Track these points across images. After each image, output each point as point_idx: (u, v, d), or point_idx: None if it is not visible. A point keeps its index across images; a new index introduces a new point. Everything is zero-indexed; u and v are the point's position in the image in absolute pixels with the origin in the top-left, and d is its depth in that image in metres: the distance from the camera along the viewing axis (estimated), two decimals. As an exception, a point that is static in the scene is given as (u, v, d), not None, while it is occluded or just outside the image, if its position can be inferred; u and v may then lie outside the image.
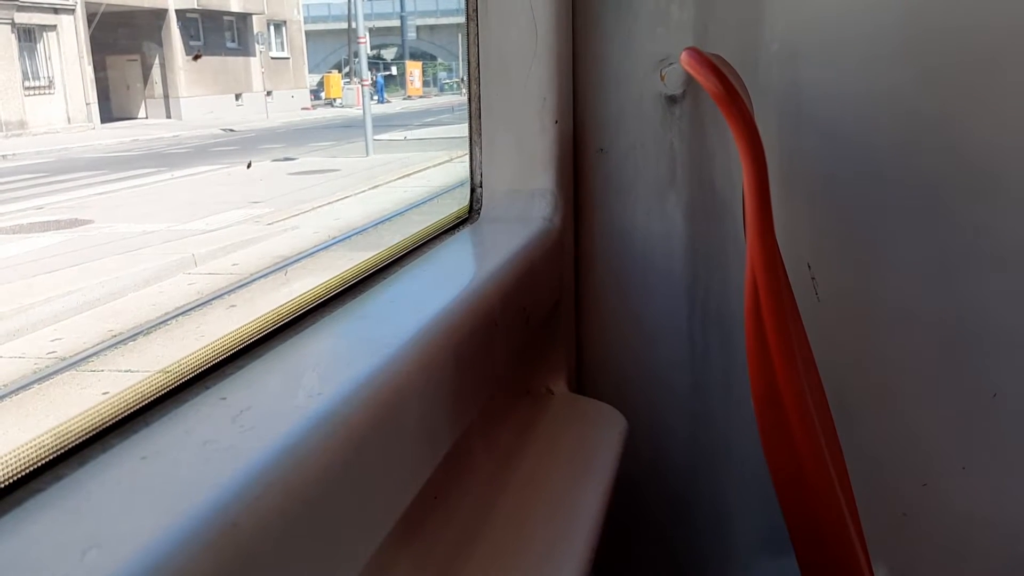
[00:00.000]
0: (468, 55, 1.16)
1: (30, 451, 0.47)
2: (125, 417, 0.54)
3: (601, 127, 1.22)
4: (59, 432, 0.50)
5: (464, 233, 1.13)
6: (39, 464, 0.47)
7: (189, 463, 0.48)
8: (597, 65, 1.21)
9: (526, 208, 1.15)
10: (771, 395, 0.64)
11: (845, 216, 1.22)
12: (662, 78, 1.19)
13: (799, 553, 0.71)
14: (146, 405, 0.56)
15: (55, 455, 0.48)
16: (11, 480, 0.45)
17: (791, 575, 1.32)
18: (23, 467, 0.46)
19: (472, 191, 1.18)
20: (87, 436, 0.51)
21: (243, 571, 0.43)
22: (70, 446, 0.50)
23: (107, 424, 0.53)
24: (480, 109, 1.16)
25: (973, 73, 1.13)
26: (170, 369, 0.61)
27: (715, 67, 0.63)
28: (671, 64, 1.19)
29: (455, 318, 0.78)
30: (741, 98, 0.63)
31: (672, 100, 1.20)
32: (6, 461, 0.46)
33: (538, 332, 1.12)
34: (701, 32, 1.18)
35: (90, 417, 0.52)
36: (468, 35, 1.15)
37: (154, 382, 0.58)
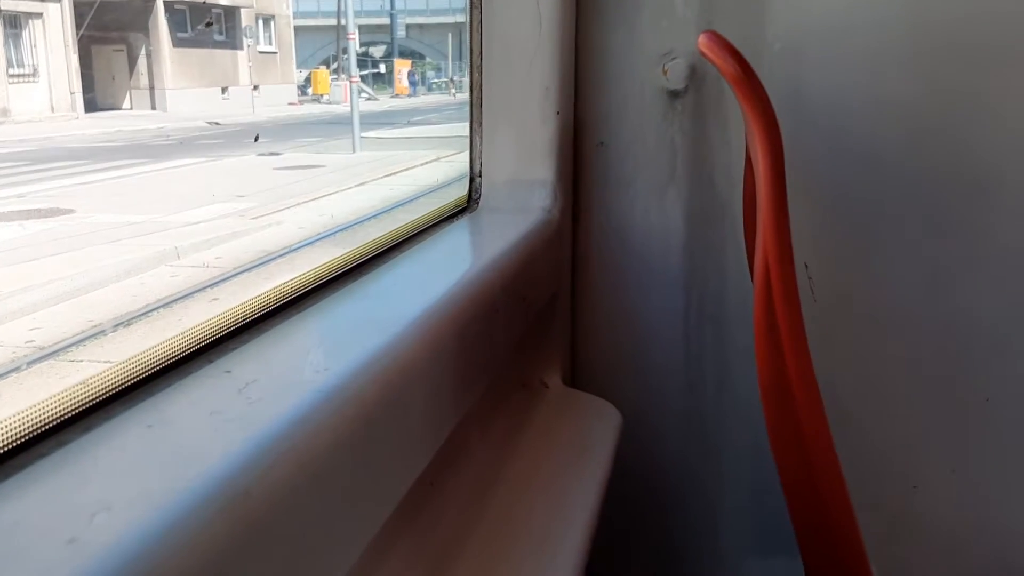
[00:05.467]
0: (471, 43, 1.15)
1: (32, 416, 0.46)
2: (129, 387, 0.53)
3: (602, 120, 1.22)
4: (61, 399, 0.49)
5: (463, 222, 1.12)
6: (43, 429, 0.46)
7: (197, 432, 0.47)
8: (600, 57, 1.20)
9: (526, 199, 1.14)
10: (780, 386, 0.63)
11: (843, 217, 1.22)
12: (664, 73, 1.19)
13: (804, 547, 0.70)
14: (149, 376, 0.55)
15: (58, 421, 0.47)
16: (15, 444, 0.44)
17: (781, 574, 1.32)
18: (26, 432, 0.45)
19: (471, 180, 1.17)
20: (90, 404, 0.50)
21: (254, 540, 0.42)
22: (73, 413, 0.48)
23: (110, 393, 0.51)
24: (481, 98, 1.15)
25: (975, 78, 1.13)
26: (172, 341, 0.59)
27: (734, 49, 0.62)
28: (674, 59, 1.18)
29: (458, 302, 0.78)
30: (759, 81, 0.62)
31: (674, 95, 1.19)
32: (9, 425, 0.44)
33: (535, 324, 1.11)
34: (705, 27, 1.17)
35: (92, 385, 0.51)
36: (471, 22, 1.14)
37: (157, 353, 0.57)
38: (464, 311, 0.77)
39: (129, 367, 0.54)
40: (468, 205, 1.16)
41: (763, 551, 1.30)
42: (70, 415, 0.48)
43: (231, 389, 0.53)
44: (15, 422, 0.45)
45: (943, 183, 1.17)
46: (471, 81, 1.16)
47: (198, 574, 0.38)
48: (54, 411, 0.47)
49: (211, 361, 0.58)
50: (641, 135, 1.21)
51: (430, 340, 0.69)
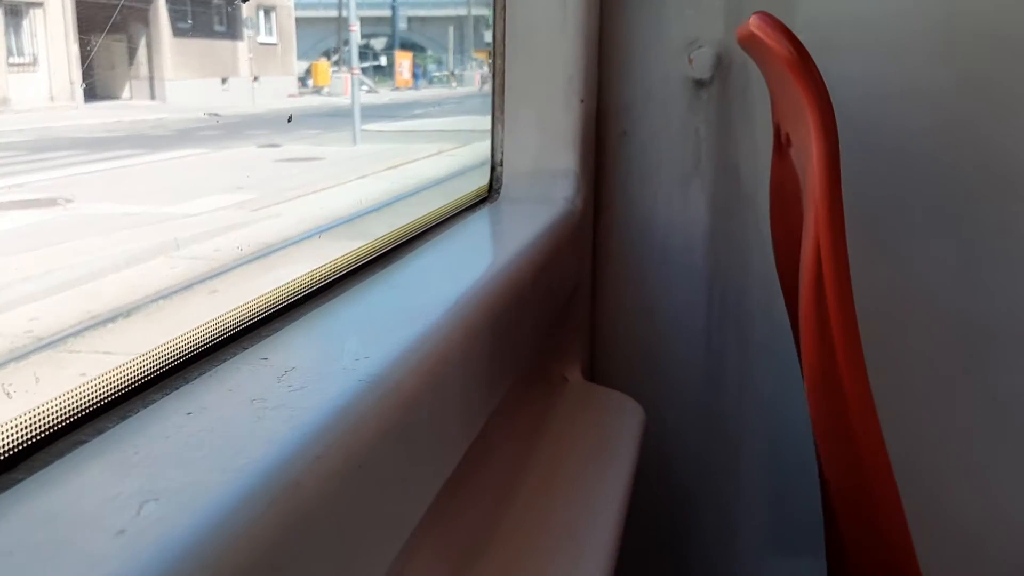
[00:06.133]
0: (493, 29, 1.12)
1: (67, 402, 0.44)
2: (162, 373, 0.51)
3: (625, 109, 1.19)
4: (93, 386, 0.46)
5: (485, 212, 1.10)
6: (78, 416, 0.44)
7: (239, 420, 0.45)
8: (624, 45, 1.18)
9: (548, 188, 1.12)
10: (829, 382, 0.61)
11: (868, 213, 1.20)
12: (690, 61, 1.17)
13: (850, 545, 0.68)
14: (183, 362, 0.52)
15: (93, 408, 0.45)
16: (53, 429, 0.42)
17: (801, 573, 1.30)
18: (63, 418, 0.43)
19: (492, 169, 1.14)
20: (124, 391, 0.48)
21: (304, 532, 0.40)
22: (107, 400, 0.46)
23: (144, 379, 0.49)
24: (504, 85, 1.13)
25: (1005, 71, 1.11)
26: (203, 328, 0.57)
27: (788, 31, 0.60)
28: (700, 47, 1.16)
29: (491, 292, 0.75)
30: (815, 64, 0.60)
31: (700, 84, 1.17)
32: (45, 410, 0.42)
33: (557, 317, 1.09)
34: (732, 15, 1.15)
35: (124, 372, 0.49)
36: (494, 8, 1.12)
37: (188, 339, 0.55)
38: (497, 301, 0.75)
39: (161, 353, 0.52)
40: (489, 195, 1.14)
41: (782, 550, 1.29)
42: (105, 402, 0.46)
43: (270, 376, 0.51)
44: (50, 408, 0.43)
45: (969, 177, 1.15)
46: (493, 68, 1.14)
47: (252, 567, 0.36)
48: (89, 398, 0.45)
49: (245, 348, 0.56)
50: (665, 125, 1.19)
51: (466, 329, 0.67)
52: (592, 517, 0.85)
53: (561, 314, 1.12)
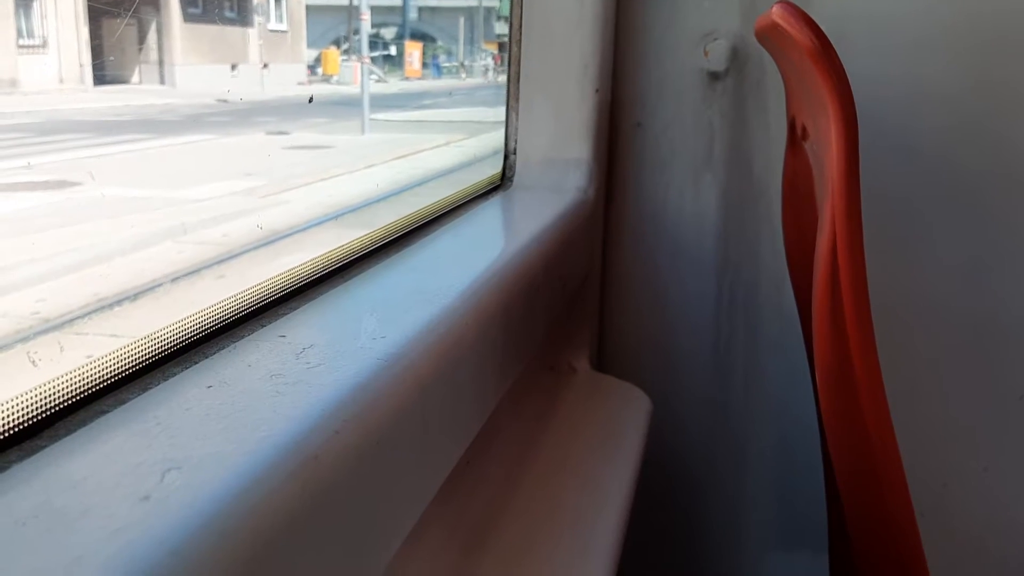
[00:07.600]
0: (511, 16, 1.13)
1: (87, 373, 0.44)
2: (181, 347, 0.51)
3: (640, 100, 1.20)
4: (113, 358, 0.47)
5: (497, 199, 1.10)
6: (99, 387, 0.44)
7: (259, 394, 0.45)
8: (640, 36, 1.18)
9: (561, 178, 1.12)
10: (841, 370, 0.61)
11: (878, 210, 1.20)
12: (705, 54, 1.17)
13: (858, 544, 0.69)
14: (201, 337, 0.53)
15: (114, 379, 0.46)
16: (74, 399, 0.42)
17: (803, 569, 1.30)
18: (83, 388, 0.43)
19: (506, 157, 1.15)
20: (145, 363, 0.48)
21: (322, 505, 0.40)
22: (128, 371, 0.47)
23: (164, 353, 0.50)
24: (519, 73, 1.13)
25: (1020, 75, 1.11)
26: (222, 304, 0.58)
27: (811, 21, 0.60)
28: (716, 39, 1.16)
29: (503, 278, 0.76)
30: (837, 54, 0.60)
31: (714, 76, 1.17)
32: (67, 380, 0.43)
33: (567, 306, 1.10)
34: (748, 8, 1.15)
35: (144, 345, 0.49)
36: (512, -4, 1.12)
37: (208, 315, 0.55)
38: (509, 287, 0.76)
39: (181, 328, 0.52)
40: (502, 182, 1.14)
41: (786, 545, 1.29)
42: (126, 373, 0.46)
43: (288, 353, 0.51)
44: (73, 378, 0.43)
45: (980, 177, 1.15)
46: (509, 56, 1.14)
47: (273, 535, 0.36)
48: (109, 369, 0.46)
49: (263, 325, 0.56)
50: (679, 117, 1.19)
51: (479, 313, 0.67)
52: (598, 505, 0.86)
53: (571, 303, 1.12)
